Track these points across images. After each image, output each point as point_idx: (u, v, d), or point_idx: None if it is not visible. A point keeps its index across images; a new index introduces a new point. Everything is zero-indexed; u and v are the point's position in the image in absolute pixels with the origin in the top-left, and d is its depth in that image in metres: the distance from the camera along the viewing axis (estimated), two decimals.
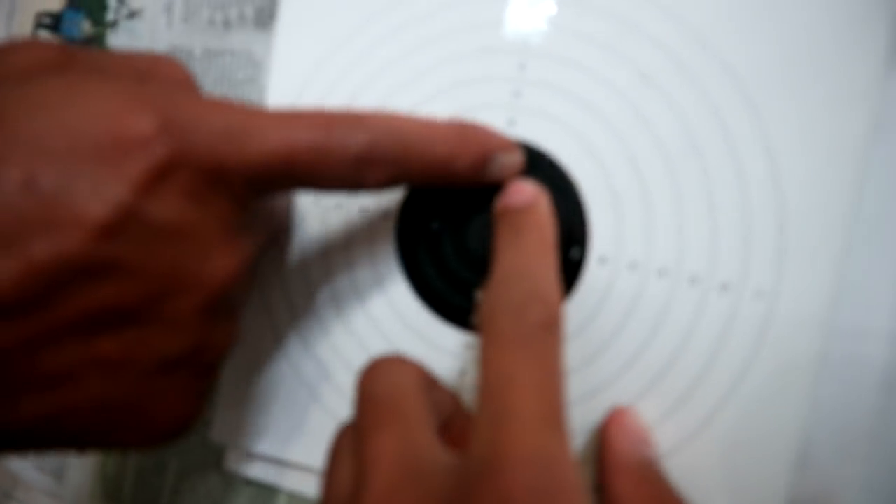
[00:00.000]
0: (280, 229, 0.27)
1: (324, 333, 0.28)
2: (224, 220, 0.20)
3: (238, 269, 0.20)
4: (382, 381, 0.19)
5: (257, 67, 0.30)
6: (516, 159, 0.23)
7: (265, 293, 0.28)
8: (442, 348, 0.26)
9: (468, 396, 0.25)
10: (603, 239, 0.24)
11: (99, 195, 0.16)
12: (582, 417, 0.23)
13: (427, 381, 0.20)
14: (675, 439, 0.22)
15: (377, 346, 0.27)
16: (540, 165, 0.24)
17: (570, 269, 0.24)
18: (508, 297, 0.19)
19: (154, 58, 0.21)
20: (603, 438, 0.22)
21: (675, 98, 0.23)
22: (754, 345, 0.21)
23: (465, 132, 0.22)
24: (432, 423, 0.18)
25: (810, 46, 0.21)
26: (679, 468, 0.22)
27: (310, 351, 0.28)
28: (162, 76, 0.21)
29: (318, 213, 0.28)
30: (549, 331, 0.18)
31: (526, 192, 0.22)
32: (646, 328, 0.23)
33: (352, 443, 0.19)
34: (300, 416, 0.28)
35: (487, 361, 0.18)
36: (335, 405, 0.27)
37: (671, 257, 0.23)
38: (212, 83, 0.31)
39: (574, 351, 0.23)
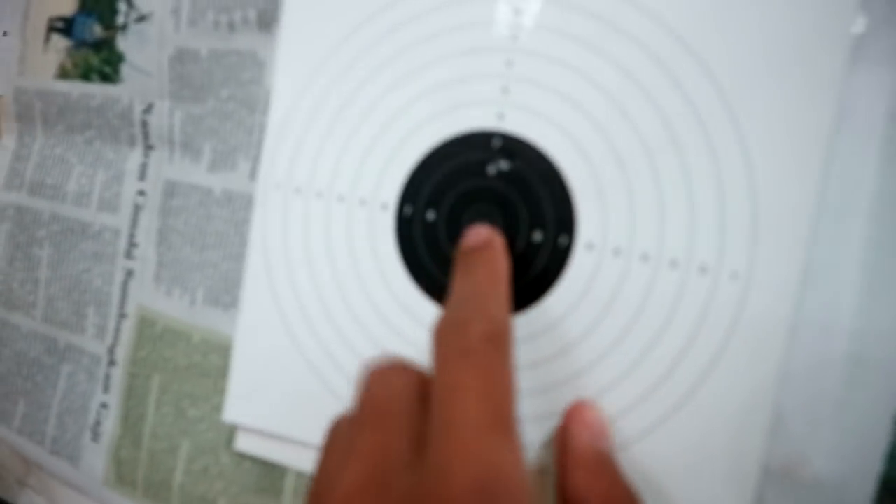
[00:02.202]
0: None
1: (328, 318, 0.29)
2: None
3: None
4: (383, 383, 0.20)
5: (261, 68, 0.32)
6: None
7: (273, 281, 0.30)
8: None
9: None
10: (589, 226, 0.25)
11: None
12: (565, 401, 0.25)
13: (427, 389, 0.21)
14: (654, 417, 0.24)
15: (378, 331, 0.28)
16: (528, 157, 0.26)
17: (559, 255, 0.25)
18: (455, 316, 0.20)
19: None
20: (562, 431, 0.24)
21: (655, 94, 0.24)
22: (731, 323, 0.23)
23: None
24: (416, 429, 0.19)
25: (779, 42, 0.22)
26: (659, 444, 0.23)
27: (316, 336, 0.29)
28: None
29: (322, 206, 0.29)
30: (493, 343, 0.19)
31: (481, 235, 0.25)
32: (630, 310, 0.24)
33: (346, 433, 0.20)
34: (307, 397, 0.29)
35: (436, 374, 0.19)
36: (340, 387, 0.29)
37: (653, 243, 0.24)
38: (219, 83, 0.33)
39: (561, 334, 0.25)
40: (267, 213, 0.30)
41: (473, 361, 0.18)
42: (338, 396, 0.29)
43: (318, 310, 0.29)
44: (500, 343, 0.19)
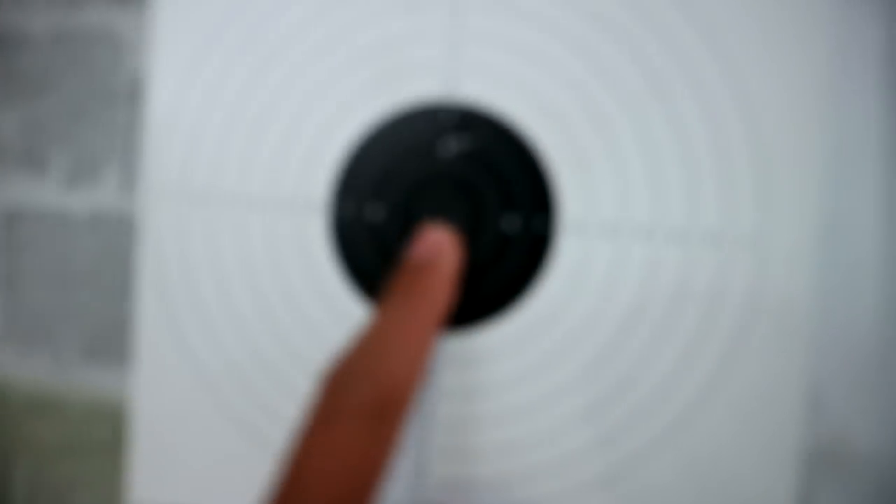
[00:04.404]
0: None
1: (255, 358, 0.23)
2: None
3: None
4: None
5: (119, 48, 0.25)
6: None
7: (176, 320, 0.23)
8: None
9: (443, 395, 0.22)
10: (573, 202, 0.21)
11: None
12: (566, 423, 0.21)
13: None
14: (677, 412, 0.20)
15: (321, 362, 0.23)
16: (488, 130, 0.21)
17: (539, 242, 0.21)
18: (347, 366, 0.18)
19: None
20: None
21: (633, 38, 0.21)
22: (750, 295, 0.20)
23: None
24: None
25: None
26: (692, 437, 0.20)
27: (240, 382, 0.23)
28: None
29: (232, 214, 0.23)
30: (377, 418, 0.17)
31: (430, 246, 0.20)
32: (633, 298, 0.21)
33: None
34: (236, 459, 0.23)
35: (301, 429, 0.17)
36: (277, 440, 0.23)
37: (652, 214, 0.21)
38: (61, 72, 0.25)
39: (555, 332, 0.21)
40: (158, 233, 0.23)
41: (342, 433, 0.16)
42: (275, 452, 0.23)
43: (240, 348, 0.23)
44: (381, 418, 0.17)
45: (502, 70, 0.21)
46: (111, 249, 0.25)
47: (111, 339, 0.25)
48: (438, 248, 0.20)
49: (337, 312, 0.22)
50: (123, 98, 0.25)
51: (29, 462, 0.26)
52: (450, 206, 0.22)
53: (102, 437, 0.25)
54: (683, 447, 0.20)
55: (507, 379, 0.21)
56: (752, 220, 0.20)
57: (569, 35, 0.21)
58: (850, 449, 0.20)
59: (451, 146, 0.22)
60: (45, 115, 0.26)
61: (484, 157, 0.22)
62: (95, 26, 0.25)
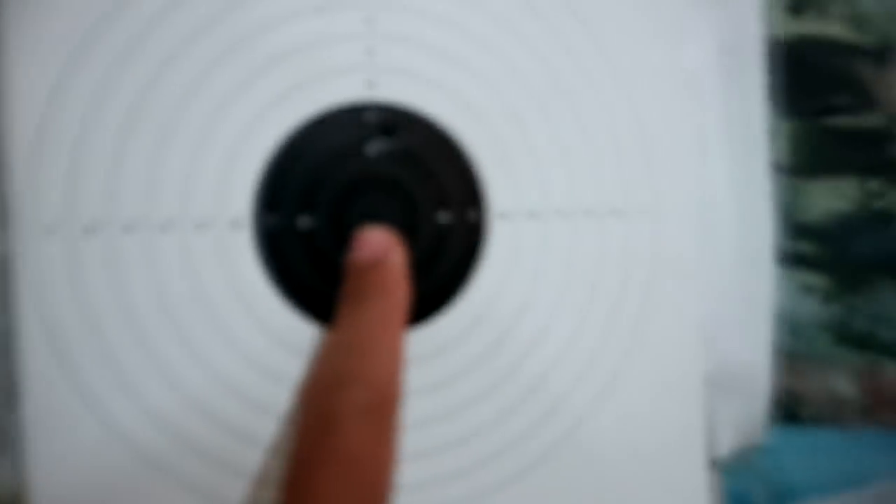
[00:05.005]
0: None
1: (185, 399, 0.20)
2: None
3: None
4: None
5: None
6: None
7: (77, 379, 0.19)
8: None
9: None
10: (500, 193, 0.23)
11: None
12: (528, 389, 0.22)
13: None
14: (614, 359, 0.23)
15: (264, 393, 0.21)
16: (414, 129, 0.22)
17: (471, 232, 0.22)
18: (329, 376, 0.18)
19: None
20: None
21: (533, 41, 0.23)
22: (651, 256, 0.24)
23: None
24: None
25: None
26: (626, 383, 0.23)
27: (176, 436, 0.20)
28: None
29: (138, 241, 0.20)
30: (371, 415, 0.17)
31: (371, 246, 0.20)
32: (560, 272, 0.23)
33: None
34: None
35: (295, 446, 0.17)
36: (230, 492, 0.20)
37: (565, 196, 0.23)
38: None
39: (499, 317, 0.22)
40: (40, 275, 0.19)
41: (348, 437, 0.16)
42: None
43: (164, 395, 0.20)
44: (379, 416, 0.17)
45: (420, 70, 0.22)
46: None
47: None
48: (382, 246, 0.20)
49: (272, 331, 0.21)
50: None
51: None
52: (383, 208, 0.22)
53: None
54: (617, 396, 0.23)
55: (459, 366, 0.22)
56: (647, 194, 0.24)
57: (476, 38, 0.22)
58: (732, 369, 0.25)
59: (379, 147, 0.22)
60: None
61: (412, 157, 0.22)
62: None
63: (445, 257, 0.22)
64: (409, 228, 0.22)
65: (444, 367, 0.22)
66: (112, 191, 0.20)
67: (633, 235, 0.23)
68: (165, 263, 0.20)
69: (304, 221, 0.21)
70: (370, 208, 0.22)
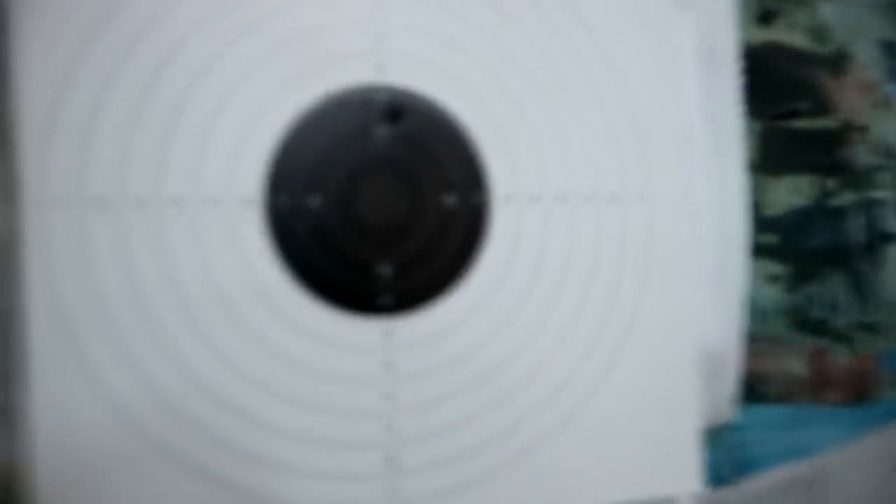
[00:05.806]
0: None
1: (189, 377, 0.20)
2: None
3: None
4: None
5: None
6: None
7: (86, 352, 0.19)
8: (354, 346, 0.22)
9: (400, 392, 0.22)
10: (504, 177, 0.23)
11: None
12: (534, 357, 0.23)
13: None
14: (613, 338, 0.24)
15: (270, 371, 0.21)
16: (421, 112, 0.22)
17: (476, 214, 0.23)
18: None
19: None
20: None
21: (534, 33, 0.24)
22: (645, 238, 0.25)
23: None
24: None
25: None
26: (630, 363, 0.24)
27: (178, 415, 0.20)
28: None
29: (149, 217, 0.19)
30: None
31: None
32: (561, 256, 0.24)
33: None
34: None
35: None
36: (234, 474, 0.21)
37: (565, 181, 0.24)
38: None
39: (503, 297, 0.23)
40: (50, 248, 0.19)
41: None
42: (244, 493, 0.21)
43: (168, 371, 0.20)
44: None
45: (428, 55, 0.22)
46: None
47: None
48: None
49: (279, 309, 0.21)
50: None
51: None
52: (390, 190, 0.22)
53: None
54: (618, 372, 0.24)
55: (470, 345, 0.23)
56: (640, 181, 0.25)
57: (482, 29, 0.23)
58: (707, 351, 0.26)
59: (387, 131, 0.22)
60: None
61: (418, 141, 0.22)
62: None
63: (450, 238, 0.23)
64: (415, 210, 0.22)
65: (450, 348, 0.22)
66: (122, 162, 0.19)
67: (628, 220, 0.25)
68: (175, 239, 0.20)
69: (314, 201, 0.21)
70: (378, 191, 0.22)
